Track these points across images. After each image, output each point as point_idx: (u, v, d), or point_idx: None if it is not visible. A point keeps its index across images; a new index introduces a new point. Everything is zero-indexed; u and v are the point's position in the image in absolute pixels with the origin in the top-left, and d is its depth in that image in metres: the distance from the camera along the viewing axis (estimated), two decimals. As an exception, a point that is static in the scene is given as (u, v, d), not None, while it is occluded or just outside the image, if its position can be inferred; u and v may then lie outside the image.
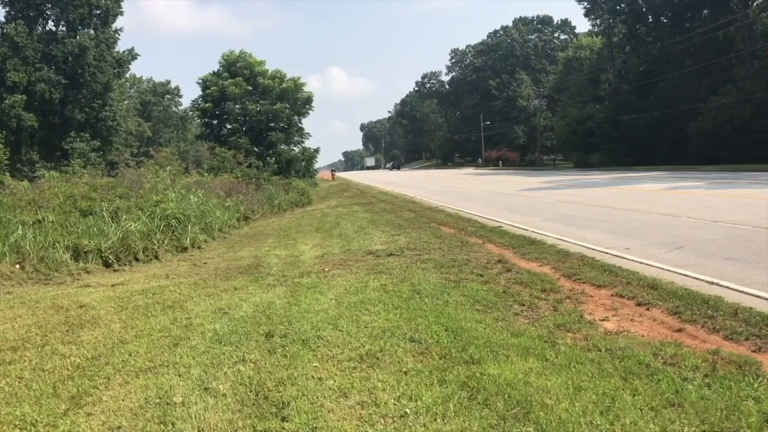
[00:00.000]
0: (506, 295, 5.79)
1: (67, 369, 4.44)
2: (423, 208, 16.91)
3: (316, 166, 40.98)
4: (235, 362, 4.32)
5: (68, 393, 3.95)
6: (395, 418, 3.25)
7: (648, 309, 5.13)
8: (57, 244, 9.65)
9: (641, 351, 4.00)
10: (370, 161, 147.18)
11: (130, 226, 10.92)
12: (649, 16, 48.65)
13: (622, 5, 49.27)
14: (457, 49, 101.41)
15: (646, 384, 3.47)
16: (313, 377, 3.91)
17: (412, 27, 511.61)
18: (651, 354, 3.94)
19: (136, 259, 10.38)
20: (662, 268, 6.67)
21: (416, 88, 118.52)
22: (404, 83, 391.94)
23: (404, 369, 3.94)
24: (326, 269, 7.87)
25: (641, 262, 7.10)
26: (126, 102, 56.26)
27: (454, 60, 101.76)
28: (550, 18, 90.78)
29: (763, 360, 3.79)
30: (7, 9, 40.79)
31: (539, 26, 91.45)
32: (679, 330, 4.53)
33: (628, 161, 43.69)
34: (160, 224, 11.79)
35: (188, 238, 11.97)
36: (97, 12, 42.99)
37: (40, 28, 42.14)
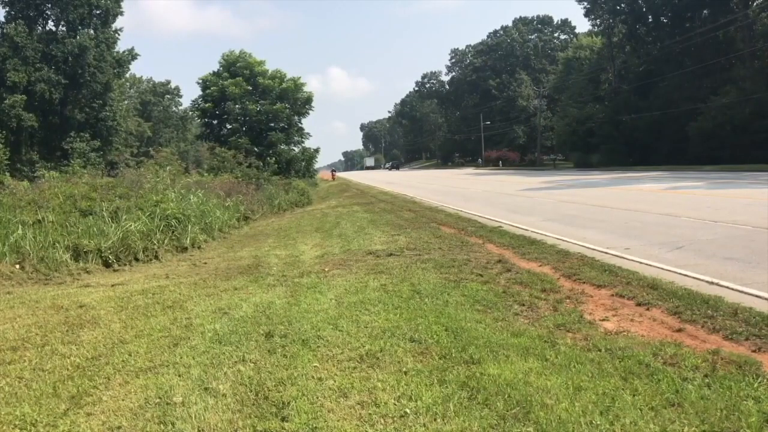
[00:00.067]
0: (506, 295, 5.79)
1: (67, 369, 4.44)
2: (423, 208, 16.91)
3: (316, 166, 41.01)
4: (235, 362, 4.32)
5: (68, 393, 3.95)
6: (395, 418, 3.25)
7: (648, 309, 5.13)
8: (57, 244, 9.65)
9: (641, 351, 4.00)
10: (369, 161, 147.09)
11: (130, 226, 10.92)
12: (649, 16, 48.67)
13: (622, 5, 49.28)
14: (457, 49, 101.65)
15: (646, 384, 3.47)
16: (313, 377, 3.91)
17: (412, 27, 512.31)
18: (651, 354, 3.94)
19: (136, 259, 10.38)
20: (662, 268, 6.67)
21: (416, 88, 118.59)
22: (404, 83, 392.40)
23: (404, 369, 3.94)
24: (326, 269, 7.87)
25: (641, 262, 7.10)
26: (126, 102, 56.30)
27: (454, 60, 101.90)
28: (550, 18, 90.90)
29: (763, 360, 3.79)
30: (7, 9, 40.88)
31: (539, 26, 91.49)
32: (679, 330, 4.53)
33: (628, 161, 43.70)
34: (160, 224, 11.79)
35: (188, 238, 11.97)
36: (97, 12, 43.03)
37: (40, 28, 42.18)
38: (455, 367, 3.91)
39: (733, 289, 5.60)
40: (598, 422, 3.04)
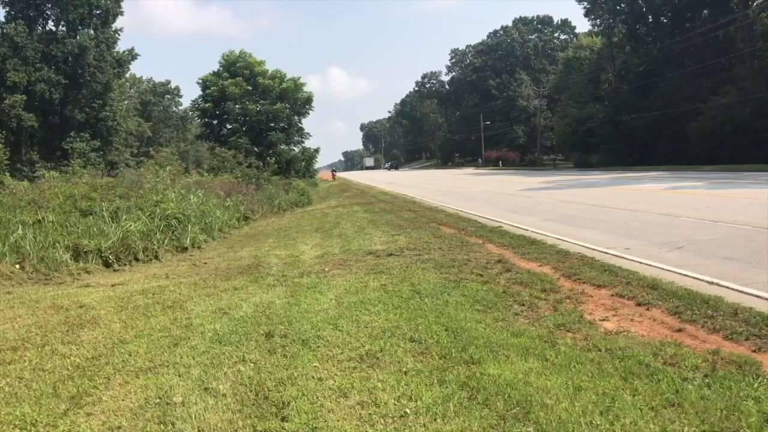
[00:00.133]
0: (506, 295, 5.78)
1: (67, 369, 4.44)
2: (423, 208, 16.91)
3: (316, 166, 41.02)
4: (235, 362, 4.32)
5: (68, 393, 3.95)
6: (395, 418, 3.25)
7: (648, 309, 5.13)
8: (57, 244, 9.65)
9: (641, 351, 4.00)
10: (369, 161, 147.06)
11: (130, 226, 10.92)
12: (649, 16, 48.68)
13: (622, 5, 49.29)
14: (457, 49, 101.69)
15: (646, 384, 3.47)
16: (313, 377, 3.91)
17: (412, 27, 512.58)
18: (651, 354, 3.94)
19: (136, 259, 10.38)
20: (662, 268, 6.67)
21: (416, 88, 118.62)
22: (404, 83, 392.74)
23: (404, 369, 3.94)
24: (326, 269, 7.87)
25: (641, 262, 7.10)
26: (126, 102, 56.30)
27: (454, 60, 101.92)
28: (550, 18, 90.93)
29: (763, 360, 3.79)
30: (7, 9, 40.89)
31: (539, 26, 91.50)
32: (679, 330, 4.53)
33: (628, 161, 43.71)
34: (160, 224, 11.78)
35: (188, 238, 11.97)
36: (97, 12, 43.03)
37: (40, 28, 42.17)
38: (455, 367, 3.91)
39: (733, 289, 5.60)
40: (598, 422, 3.04)
